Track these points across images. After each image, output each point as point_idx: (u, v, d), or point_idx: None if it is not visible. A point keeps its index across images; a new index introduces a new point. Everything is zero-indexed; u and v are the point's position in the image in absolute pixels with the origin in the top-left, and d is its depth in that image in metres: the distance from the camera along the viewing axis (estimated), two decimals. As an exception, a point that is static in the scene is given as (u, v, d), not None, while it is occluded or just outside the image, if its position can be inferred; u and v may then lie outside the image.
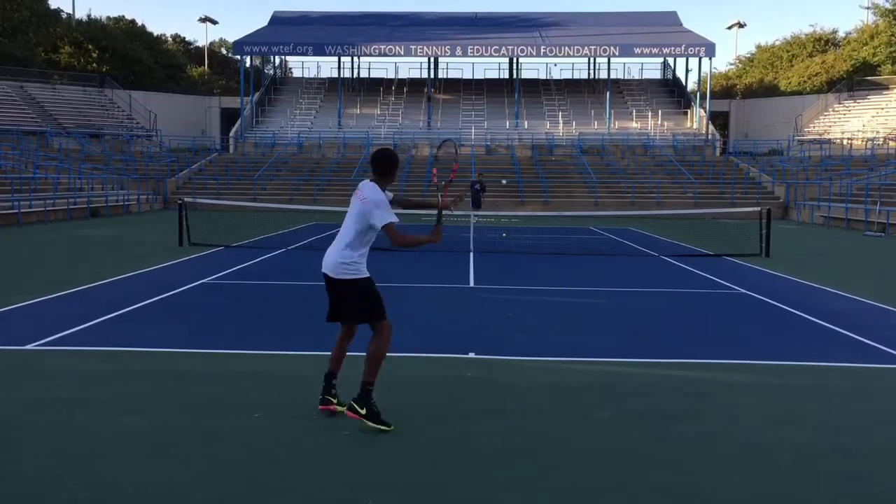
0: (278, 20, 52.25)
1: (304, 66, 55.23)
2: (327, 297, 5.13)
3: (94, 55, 50.85)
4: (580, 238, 21.07)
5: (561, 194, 35.22)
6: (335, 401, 5.18)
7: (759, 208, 18.85)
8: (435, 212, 5.22)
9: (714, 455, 4.59)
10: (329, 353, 5.28)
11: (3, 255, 15.41)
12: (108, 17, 60.70)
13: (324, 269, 5.06)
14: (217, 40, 74.82)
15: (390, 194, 5.11)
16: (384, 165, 5.06)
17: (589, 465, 4.41)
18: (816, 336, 8.20)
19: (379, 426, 4.87)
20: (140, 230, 22.38)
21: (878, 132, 40.98)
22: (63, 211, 26.43)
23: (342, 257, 4.97)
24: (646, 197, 34.89)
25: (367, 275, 5.03)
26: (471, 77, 53.89)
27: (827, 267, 14.93)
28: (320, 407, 5.18)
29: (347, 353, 5.29)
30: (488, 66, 54.16)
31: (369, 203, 4.89)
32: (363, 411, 4.89)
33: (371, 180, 5.05)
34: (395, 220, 4.89)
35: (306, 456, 4.50)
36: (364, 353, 5.04)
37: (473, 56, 45.94)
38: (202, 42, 67.53)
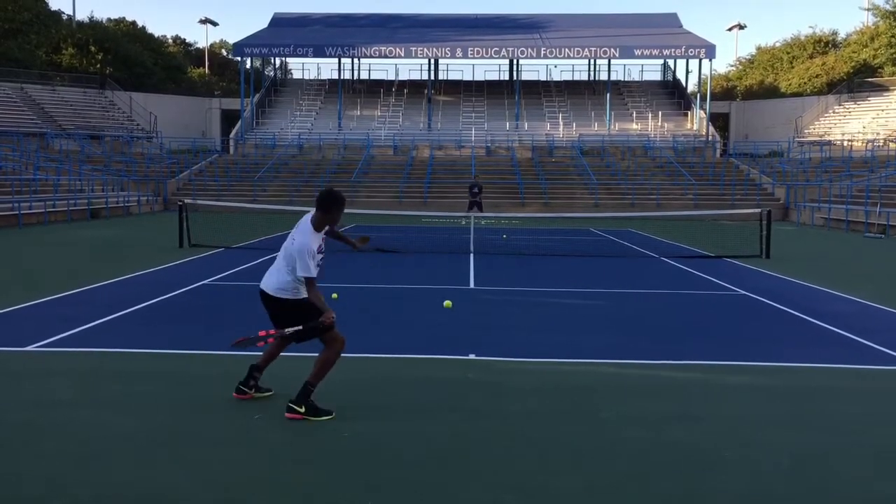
0: (278, 22, 52.25)
1: (305, 67, 55.30)
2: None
3: (99, 57, 50.81)
4: (580, 239, 21.07)
5: (561, 196, 35.23)
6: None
7: (759, 210, 18.83)
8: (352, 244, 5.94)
9: (714, 456, 4.59)
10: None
11: (3, 256, 15.42)
12: (109, 19, 60.77)
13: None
14: (217, 42, 74.80)
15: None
16: (328, 204, 5.08)
17: (590, 467, 4.41)
18: (817, 337, 8.20)
19: (321, 417, 5.08)
20: (140, 231, 22.38)
21: (878, 134, 41.00)
22: (63, 212, 26.42)
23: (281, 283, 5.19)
24: (646, 198, 34.89)
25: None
26: (471, 79, 53.91)
27: (827, 268, 14.92)
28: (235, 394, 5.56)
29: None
30: (488, 68, 54.23)
31: (297, 247, 5.02)
32: (302, 409, 5.07)
33: (312, 217, 5.10)
34: (313, 274, 4.99)
35: (306, 456, 4.50)
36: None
37: (474, 58, 45.94)
38: (202, 44, 67.57)
